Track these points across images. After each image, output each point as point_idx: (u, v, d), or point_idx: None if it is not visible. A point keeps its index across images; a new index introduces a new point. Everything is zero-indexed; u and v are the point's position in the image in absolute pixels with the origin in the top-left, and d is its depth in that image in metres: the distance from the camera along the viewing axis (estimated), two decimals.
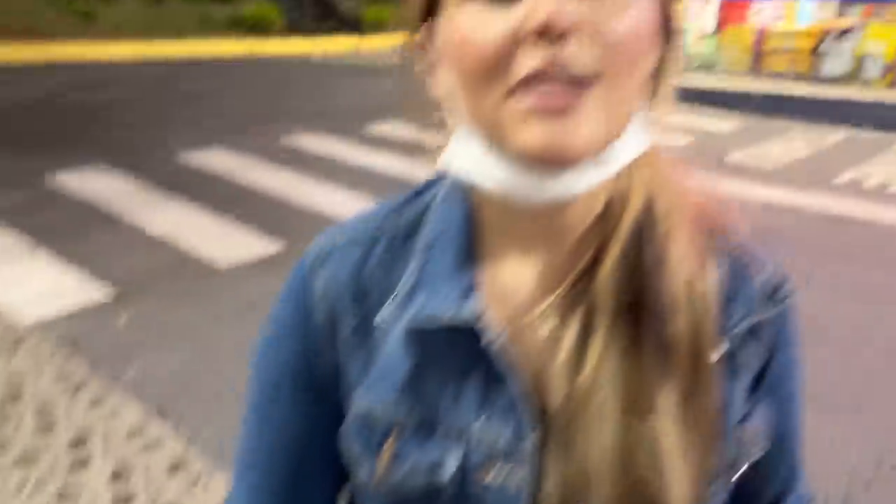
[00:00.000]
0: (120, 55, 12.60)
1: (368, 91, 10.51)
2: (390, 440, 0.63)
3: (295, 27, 15.84)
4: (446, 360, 0.63)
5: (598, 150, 0.54)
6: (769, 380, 0.68)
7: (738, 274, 0.64)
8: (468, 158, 0.60)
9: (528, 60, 0.51)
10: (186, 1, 14.72)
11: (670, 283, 0.59)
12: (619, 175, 0.60)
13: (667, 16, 0.58)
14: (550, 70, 0.51)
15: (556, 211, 0.60)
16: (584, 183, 0.57)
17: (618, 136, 0.56)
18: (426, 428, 0.63)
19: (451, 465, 0.62)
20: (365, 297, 0.66)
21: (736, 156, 7.44)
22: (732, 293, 0.64)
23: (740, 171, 6.86)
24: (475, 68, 0.53)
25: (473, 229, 0.65)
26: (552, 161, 0.53)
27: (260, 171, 6.24)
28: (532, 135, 0.52)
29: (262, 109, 9.16)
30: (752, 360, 0.66)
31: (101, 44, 12.56)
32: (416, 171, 0.80)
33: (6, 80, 10.22)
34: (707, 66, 11.47)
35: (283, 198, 5.54)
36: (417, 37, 0.61)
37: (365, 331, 0.65)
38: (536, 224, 0.61)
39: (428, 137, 0.65)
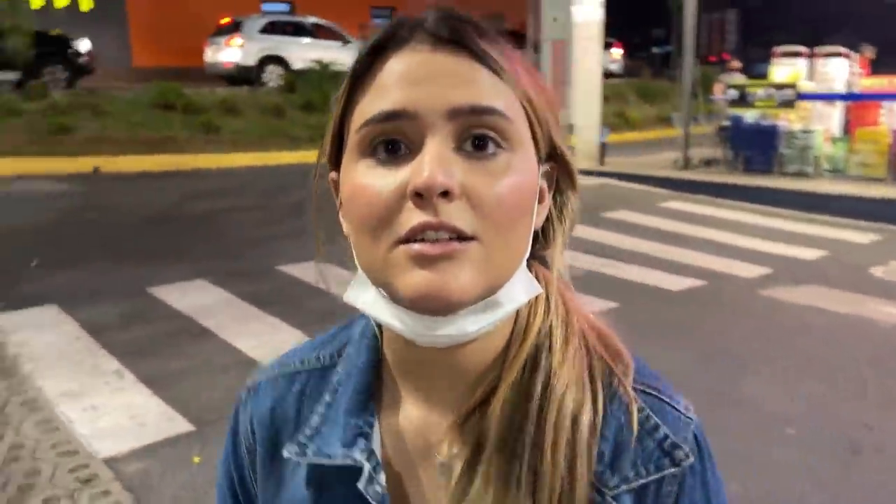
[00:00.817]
0: (239, 164, 13.16)
1: None
2: None
3: None
4: (340, 500, 0.67)
5: (476, 297, 0.60)
6: None
7: (630, 428, 0.65)
8: (366, 299, 0.65)
9: (413, 216, 0.58)
10: (304, 112, 15.33)
11: (551, 419, 0.62)
12: (518, 315, 0.66)
13: (552, 177, 0.68)
14: (431, 226, 0.57)
15: (454, 351, 0.65)
16: (474, 326, 0.62)
17: (499, 284, 0.61)
18: None
19: None
20: (279, 431, 0.73)
21: (878, 271, 6.69)
22: (623, 447, 0.64)
23: (885, 288, 6.13)
24: (365, 220, 0.60)
25: (379, 368, 0.71)
26: (432, 307, 0.59)
27: None
28: (414, 281, 0.58)
29: None
30: None
31: (224, 154, 13.15)
32: None
33: (142, 187, 10.72)
34: (837, 172, 10.71)
35: None
36: (331, 179, 0.68)
37: (276, 463, 0.72)
38: (438, 363, 0.66)
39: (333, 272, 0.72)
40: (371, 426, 0.69)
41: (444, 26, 0.62)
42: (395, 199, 0.59)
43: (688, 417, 0.68)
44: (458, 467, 0.64)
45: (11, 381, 4.19)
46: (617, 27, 21.07)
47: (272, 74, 17.03)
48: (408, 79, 0.60)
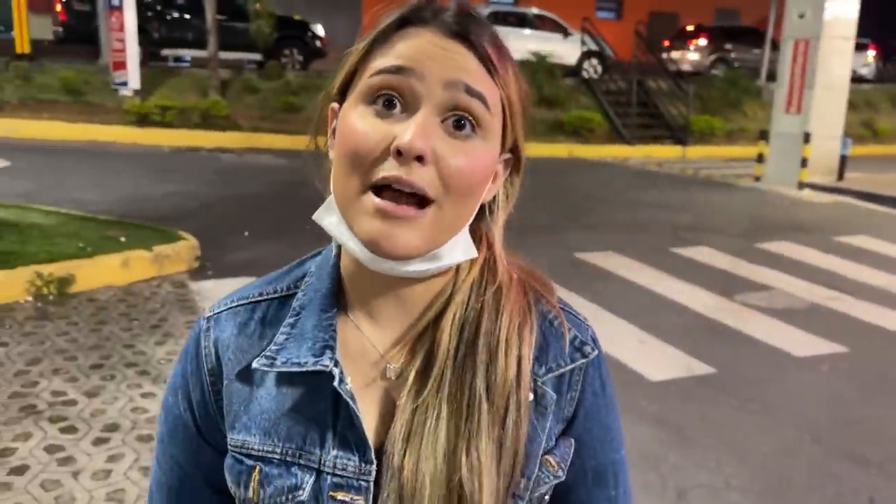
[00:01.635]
0: None
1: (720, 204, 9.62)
2: (258, 467, 0.77)
3: (618, 132, 15.57)
4: (308, 405, 0.76)
5: (418, 254, 0.72)
6: (578, 419, 0.82)
7: (550, 332, 0.80)
8: (332, 221, 0.77)
9: (389, 167, 0.69)
10: None
11: (497, 338, 0.75)
12: (460, 266, 0.79)
13: (508, 164, 0.80)
14: (401, 181, 0.68)
15: (400, 282, 0.77)
16: (412, 269, 0.74)
17: (439, 245, 0.73)
18: (289, 459, 0.76)
19: (307, 488, 0.75)
20: (245, 351, 0.80)
21: None
22: (545, 346, 0.79)
23: None
24: (349, 157, 0.71)
25: (338, 294, 0.81)
26: (379, 252, 0.71)
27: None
28: (371, 227, 0.70)
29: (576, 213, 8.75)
30: (561, 403, 0.80)
31: None
32: None
33: None
34: None
35: None
36: (331, 108, 0.79)
37: (244, 378, 0.79)
38: (388, 288, 0.77)
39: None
40: (335, 340, 0.77)
41: (460, 22, 0.72)
42: (378, 149, 0.69)
43: (587, 324, 0.84)
44: (410, 375, 0.75)
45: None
46: (872, 27, 18.82)
47: None
48: (420, 50, 0.70)
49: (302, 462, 0.76)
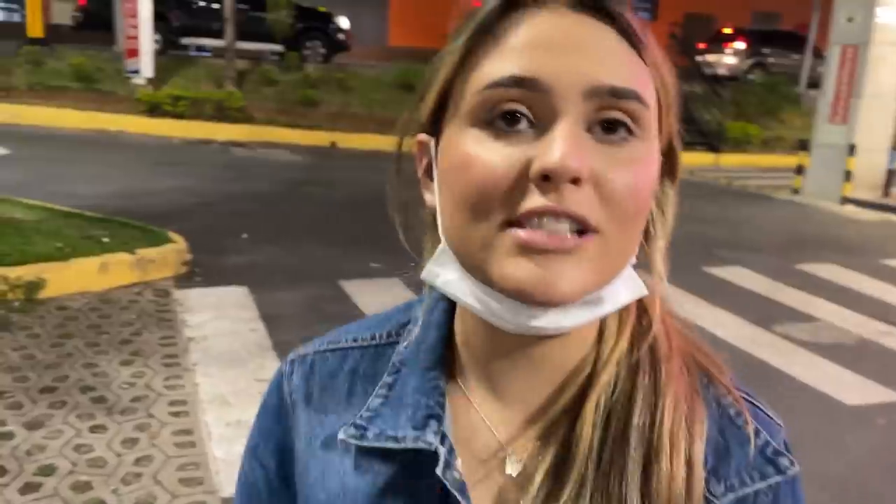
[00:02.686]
0: None
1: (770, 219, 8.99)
2: None
3: None
4: (402, 488, 0.61)
5: (582, 295, 0.54)
6: None
7: (731, 433, 0.60)
8: (450, 277, 0.59)
9: (535, 198, 0.51)
10: None
11: (657, 433, 0.56)
12: (612, 317, 0.60)
13: (669, 170, 0.60)
14: (555, 212, 0.51)
15: (539, 343, 0.59)
16: (570, 321, 0.56)
17: (606, 282, 0.55)
18: None
19: None
20: (326, 411, 0.66)
21: None
22: (724, 453, 0.60)
23: None
24: (472, 195, 0.53)
25: (449, 352, 0.64)
26: (534, 299, 0.53)
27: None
28: (518, 272, 0.52)
29: None
30: None
31: None
32: None
33: (368, 167, 10.59)
34: None
35: None
36: (419, 141, 0.61)
37: (326, 444, 0.65)
38: (519, 354, 0.60)
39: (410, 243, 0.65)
40: (443, 408, 0.61)
41: None
42: (512, 178, 0.52)
43: (778, 423, 0.64)
44: (539, 474, 0.58)
45: (174, 371, 3.87)
46: None
47: None
48: (543, 44, 0.53)
49: None
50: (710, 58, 18.71)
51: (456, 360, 0.64)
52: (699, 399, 0.60)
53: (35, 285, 4.65)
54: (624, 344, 0.60)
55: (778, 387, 4.27)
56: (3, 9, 20.08)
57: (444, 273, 0.59)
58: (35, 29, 13.22)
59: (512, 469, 0.60)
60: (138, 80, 12.25)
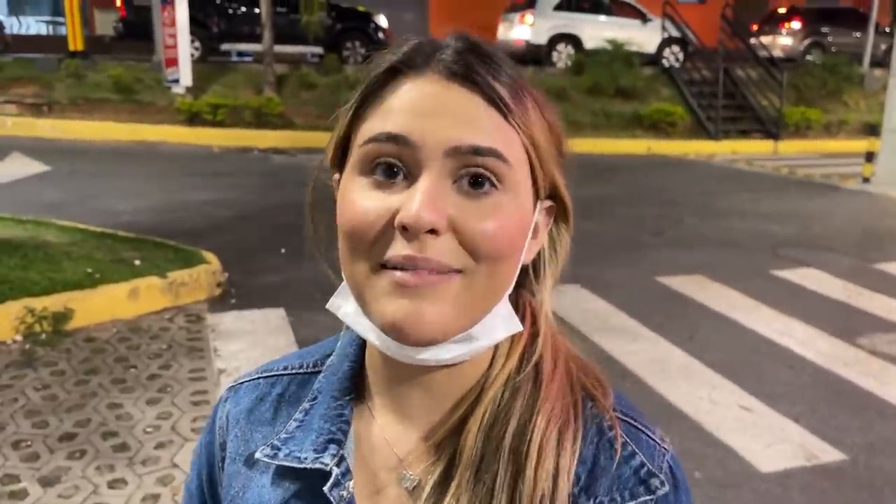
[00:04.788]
0: None
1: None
2: None
3: (701, 126, 14.28)
4: (306, 502, 0.67)
5: (451, 332, 0.61)
6: None
7: (605, 452, 0.65)
8: (349, 310, 0.66)
9: (398, 246, 0.58)
10: (589, 96, 14.11)
11: (527, 446, 0.62)
12: (504, 342, 0.67)
13: (551, 213, 0.68)
14: (414, 260, 0.58)
15: (432, 371, 0.65)
16: (448, 355, 0.63)
17: (477, 319, 0.62)
18: None
19: None
20: (252, 431, 0.73)
21: None
22: (596, 471, 0.64)
23: None
24: (351, 238, 0.60)
25: (361, 378, 0.71)
26: (405, 336, 0.59)
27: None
28: (391, 309, 0.59)
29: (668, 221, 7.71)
30: None
31: None
32: None
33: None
34: None
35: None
36: (335, 177, 0.68)
37: (245, 463, 0.72)
38: (415, 381, 0.66)
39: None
40: (345, 434, 0.69)
41: (459, 62, 0.61)
42: (381, 225, 0.59)
43: (663, 447, 0.68)
44: (428, 485, 0.64)
45: (202, 411, 3.60)
46: None
47: (562, 54, 15.94)
48: (415, 109, 0.60)
49: None
50: (765, 39, 17.86)
51: (366, 385, 0.71)
52: (576, 419, 0.64)
53: (62, 316, 4.44)
54: (511, 366, 0.66)
55: (871, 416, 3.80)
56: (48, 22, 20.35)
57: (345, 306, 0.67)
58: (76, 42, 13.23)
59: (407, 483, 0.66)
60: (178, 90, 12.15)
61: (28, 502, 2.85)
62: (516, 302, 0.68)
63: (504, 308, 0.65)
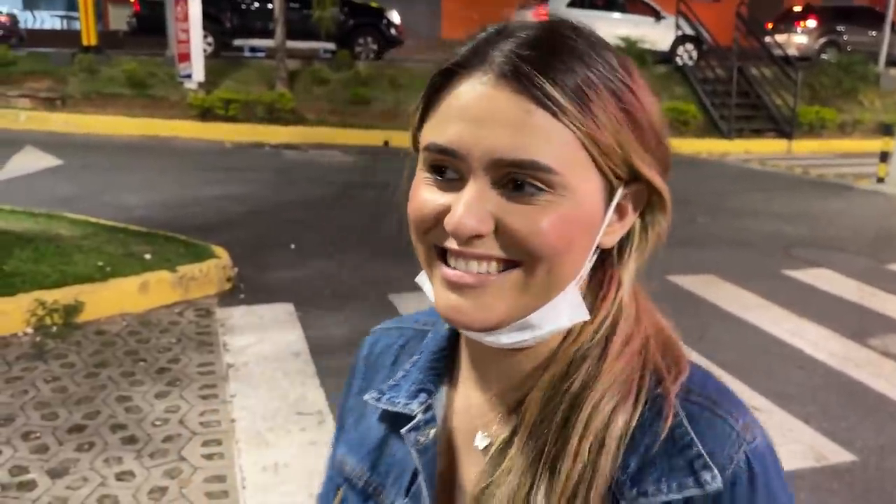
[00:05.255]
0: None
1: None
2: (342, 489, 0.81)
3: (714, 125, 14.19)
4: (399, 445, 0.76)
5: (503, 323, 0.64)
6: None
7: (665, 443, 0.64)
8: (428, 287, 0.69)
9: (451, 241, 0.63)
10: None
11: (585, 412, 0.64)
12: (571, 330, 0.68)
13: (641, 196, 0.68)
14: (463, 254, 0.63)
15: (505, 349, 0.68)
16: (508, 340, 0.66)
17: (534, 310, 0.64)
18: (370, 490, 0.78)
19: None
20: (375, 373, 0.84)
21: None
22: (649, 463, 0.64)
23: None
24: (414, 224, 0.66)
25: (456, 343, 0.78)
26: (458, 325, 0.66)
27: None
28: (444, 301, 0.65)
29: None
30: None
31: None
32: None
33: None
34: None
35: None
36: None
37: (363, 399, 0.81)
38: (491, 355, 0.70)
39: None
40: (435, 386, 0.76)
41: (510, 61, 0.62)
42: (435, 218, 0.64)
43: (743, 437, 0.65)
44: (494, 447, 0.69)
45: (210, 405, 3.61)
46: None
47: None
48: (463, 115, 0.62)
49: (377, 500, 0.77)
50: (779, 38, 17.73)
51: (457, 353, 0.77)
52: (636, 399, 0.65)
53: (73, 309, 4.47)
54: (581, 342, 0.67)
55: (882, 417, 3.76)
56: (62, 17, 20.46)
57: (427, 283, 0.70)
58: (89, 37, 13.29)
59: (480, 443, 0.72)
60: (190, 85, 12.18)
61: (36, 493, 2.86)
62: (600, 280, 0.69)
63: (571, 296, 0.66)
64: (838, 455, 3.36)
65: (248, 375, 3.93)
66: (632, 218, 0.69)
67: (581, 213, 0.63)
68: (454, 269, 0.63)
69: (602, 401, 0.64)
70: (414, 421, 0.73)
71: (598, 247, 0.67)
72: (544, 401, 0.66)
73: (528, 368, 0.69)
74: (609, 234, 0.67)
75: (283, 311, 4.85)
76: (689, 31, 16.15)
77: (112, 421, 3.42)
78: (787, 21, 18.71)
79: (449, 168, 0.63)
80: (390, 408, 0.76)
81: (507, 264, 0.62)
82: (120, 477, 2.99)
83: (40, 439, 3.23)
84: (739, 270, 6.04)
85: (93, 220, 6.12)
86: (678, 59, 16.00)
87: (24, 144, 9.92)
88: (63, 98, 11.90)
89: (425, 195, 0.65)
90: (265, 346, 4.30)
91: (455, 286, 0.63)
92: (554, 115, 0.60)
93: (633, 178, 0.66)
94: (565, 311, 0.66)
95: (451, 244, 0.63)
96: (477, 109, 0.61)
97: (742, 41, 15.51)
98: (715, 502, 0.63)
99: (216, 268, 5.22)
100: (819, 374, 4.22)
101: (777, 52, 15.46)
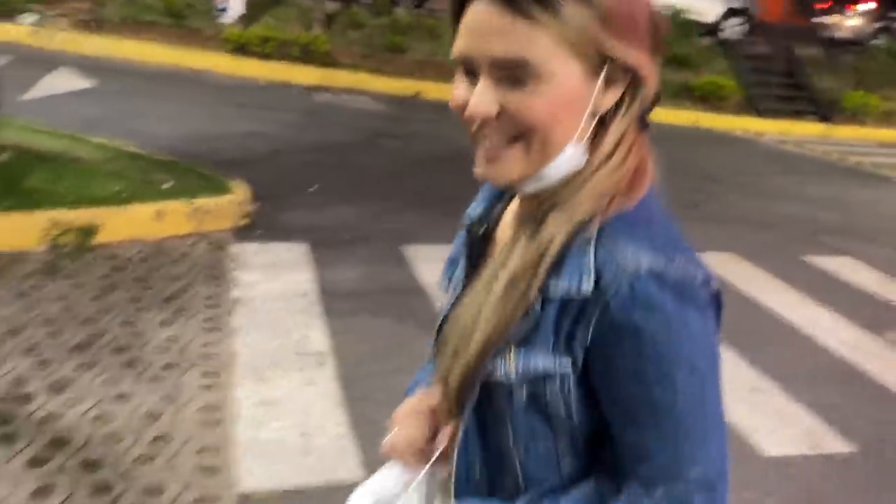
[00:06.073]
0: None
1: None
2: (445, 263, 1.10)
3: (753, 103, 13.85)
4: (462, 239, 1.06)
5: (519, 180, 0.87)
6: (596, 370, 0.85)
7: (603, 249, 0.83)
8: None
9: (474, 126, 0.86)
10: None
11: (545, 225, 0.86)
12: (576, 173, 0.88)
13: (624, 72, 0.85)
14: (485, 133, 0.86)
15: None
16: (530, 188, 0.89)
17: (542, 166, 0.86)
18: (448, 265, 1.09)
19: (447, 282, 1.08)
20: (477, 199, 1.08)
21: None
22: (570, 258, 0.84)
23: None
24: (455, 110, 0.88)
25: None
26: (491, 183, 0.95)
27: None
28: (481, 167, 0.88)
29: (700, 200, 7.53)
30: (559, 335, 0.85)
31: None
32: None
33: (448, 120, 10.17)
34: None
35: None
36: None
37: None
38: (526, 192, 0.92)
39: None
40: (490, 201, 1.05)
41: None
42: (464, 108, 0.86)
43: (639, 264, 0.81)
44: (503, 240, 0.96)
45: (213, 337, 3.63)
46: None
47: None
48: (469, 30, 0.84)
49: (448, 275, 1.08)
50: (830, 19, 17.18)
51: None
52: (580, 220, 0.85)
53: (87, 230, 4.49)
54: (574, 179, 0.87)
55: (888, 409, 3.70)
56: None
57: None
58: None
59: (500, 244, 0.97)
60: (225, 20, 12.08)
61: (34, 406, 2.91)
62: (601, 138, 0.87)
63: (569, 153, 0.85)
64: (836, 443, 3.32)
65: (253, 311, 3.95)
66: (619, 88, 0.85)
67: (562, 92, 0.82)
68: (482, 145, 0.86)
69: (561, 218, 0.85)
70: (468, 222, 1.03)
71: (594, 114, 0.85)
72: (529, 216, 0.89)
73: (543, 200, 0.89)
74: (600, 102, 0.85)
75: (297, 252, 4.85)
76: (738, 4, 15.68)
77: (115, 343, 3.45)
78: (842, 2, 18.11)
79: (471, 70, 0.85)
80: (465, 221, 1.05)
81: (513, 139, 0.84)
82: (116, 399, 3.03)
83: (43, 355, 3.28)
84: (762, 252, 5.93)
85: (116, 144, 6.13)
86: (723, 33, 15.58)
87: (58, 65, 9.93)
88: (99, 21, 11.86)
89: (458, 89, 0.87)
90: (275, 284, 4.31)
91: (483, 158, 0.87)
92: (533, 22, 0.80)
93: (612, 62, 0.84)
94: (564, 164, 0.86)
95: (475, 127, 0.85)
96: (476, 23, 0.83)
97: (793, 19, 15.04)
98: (602, 311, 0.81)
99: (233, 203, 5.21)
100: (827, 362, 4.15)
101: (825, 34, 14.98)
